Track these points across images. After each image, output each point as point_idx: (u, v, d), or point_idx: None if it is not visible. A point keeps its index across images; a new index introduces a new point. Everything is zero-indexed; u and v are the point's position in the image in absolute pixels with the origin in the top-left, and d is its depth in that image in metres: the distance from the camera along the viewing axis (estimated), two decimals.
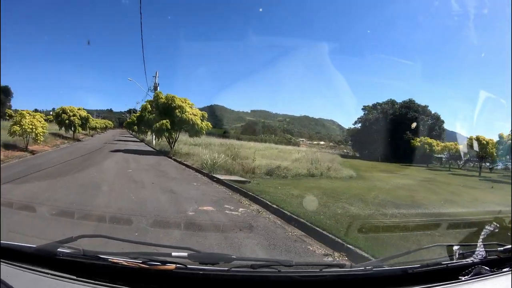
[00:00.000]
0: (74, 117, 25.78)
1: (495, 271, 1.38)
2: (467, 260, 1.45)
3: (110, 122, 57.75)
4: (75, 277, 1.19)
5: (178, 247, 1.45)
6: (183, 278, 1.24)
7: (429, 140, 28.56)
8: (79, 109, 27.02)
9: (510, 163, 23.53)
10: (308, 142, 66.41)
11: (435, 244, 2.11)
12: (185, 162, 14.24)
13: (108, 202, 6.09)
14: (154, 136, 20.95)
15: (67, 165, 11.31)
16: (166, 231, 4.55)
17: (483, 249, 1.50)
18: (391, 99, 37.53)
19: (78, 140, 27.93)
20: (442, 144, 28.59)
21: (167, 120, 17.99)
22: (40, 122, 16.14)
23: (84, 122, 27.14)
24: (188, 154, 17.65)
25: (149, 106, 18.84)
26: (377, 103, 38.80)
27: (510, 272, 1.38)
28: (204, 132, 19.42)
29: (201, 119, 19.21)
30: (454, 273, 1.36)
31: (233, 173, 11.52)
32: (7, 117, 50.96)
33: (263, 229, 5.06)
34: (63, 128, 26.10)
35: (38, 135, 15.70)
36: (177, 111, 18.15)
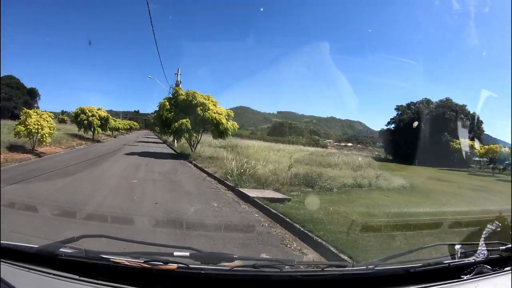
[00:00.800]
0: (93, 118, 24.33)
1: (497, 270, 1.36)
2: (469, 259, 1.44)
3: (135, 123, 57.43)
4: (77, 277, 1.19)
5: (180, 246, 1.42)
6: (185, 278, 1.23)
7: (471, 143, 25.90)
8: (98, 109, 25.61)
9: None
10: (336, 143, 65.09)
11: (437, 243, 2.22)
12: (206, 169, 11.70)
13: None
14: (173, 138, 18.70)
15: (64, 172, 9.22)
16: None
17: (485, 248, 1.49)
18: (426, 98, 35.56)
19: (98, 141, 26.55)
20: (486, 146, 26.12)
21: (187, 120, 15.65)
22: (47, 121, 14.36)
23: (104, 122, 25.67)
24: (211, 158, 15.18)
25: (167, 103, 16.59)
26: (411, 102, 36.83)
27: None
28: (230, 133, 16.88)
29: (226, 119, 16.70)
30: (456, 272, 1.34)
31: (266, 185, 8.78)
32: None
33: None
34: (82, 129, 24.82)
35: (44, 136, 13.89)
36: (198, 109, 15.76)
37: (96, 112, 25.06)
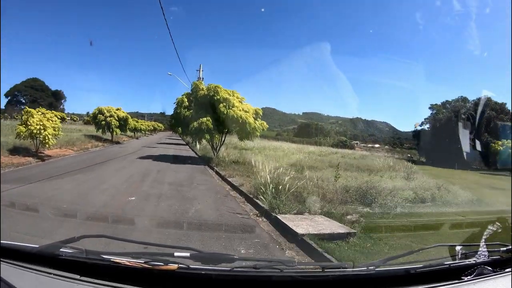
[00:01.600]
0: (111, 118, 22.83)
1: (497, 271, 1.35)
2: (469, 260, 1.43)
3: (160, 124, 56.80)
4: (77, 277, 1.18)
5: (181, 247, 1.39)
6: (186, 278, 1.23)
7: None
8: (117, 109, 24.18)
9: None
10: (362, 145, 63.10)
11: (437, 244, 2.08)
12: (230, 179, 9.25)
13: None
14: (192, 139, 16.47)
15: (50, 184, 7.23)
16: None
17: (486, 249, 1.48)
18: (462, 96, 34.12)
19: (118, 142, 25.10)
20: None
21: (208, 118, 13.34)
22: (51, 121, 12.62)
23: (123, 123, 24.14)
24: (237, 163, 12.78)
25: (185, 100, 14.36)
26: (447, 101, 35.43)
27: None
28: (258, 134, 14.37)
29: (254, 117, 14.22)
30: (456, 273, 1.33)
31: (312, 207, 6.15)
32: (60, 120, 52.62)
33: None
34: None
35: (46, 137, 12.12)
36: (221, 105, 13.40)
37: (115, 112, 23.60)
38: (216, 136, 14.34)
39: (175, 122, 15.26)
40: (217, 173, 11.07)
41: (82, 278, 1.18)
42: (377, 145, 60.38)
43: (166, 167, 11.60)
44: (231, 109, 13.47)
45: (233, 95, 14.26)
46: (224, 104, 13.38)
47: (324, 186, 8.04)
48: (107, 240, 1.71)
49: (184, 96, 14.69)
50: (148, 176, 9.15)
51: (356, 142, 69.78)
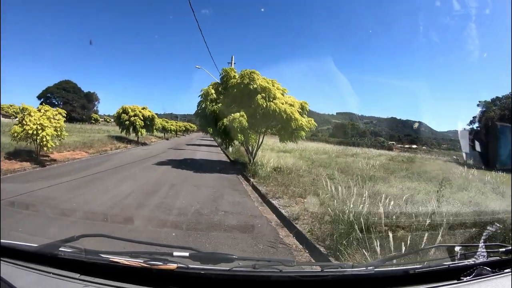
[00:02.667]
0: (135, 118, 20.72)
1: (496, 272, 1.33)
2: (468, 260, 1.41)
3: (192, 125, 55.44)
4: (77, 276, 1.18)
5: (180, 246, 1.37)
6: (185, 278, 1.22)
7: None
8: (143, 108, 22.14)
9: None
10: (399, 145, 61.70)
11: (436, 244, 2.18)
12: (276, 202, 6.07)
13: None
14: (222, 140, 13.45)
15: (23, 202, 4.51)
16: None
17: (485, 250, 1.46)
18: None
19: (144, 144, 23.06)
20: None
21: (242, 113, 10.27)
22: (52, 120, 10.32)
23: (149, 123, 21.98)
24: (280, 172, 9.61)
25: (212, 91, 11.38)
26: (497, 97, 32.50)
27: None
28: (305, 133, 11.06)
29: (299, 112, 10.96)
30: (455, 273, 1.32)
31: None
32: (93, 121, 52.82)
33: None
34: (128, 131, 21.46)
35: (44, 139, 9.82)
36: (259, 97, 10.29)
37: (140, 112, 21.50)
38: (252, 136, 11.23)
39: (202, 121, 12.37)
40: (254, 188, 7.94)
41: (81, 277, 1.17)
42: (414, 146, 58.17)
43: (186, 177, 8.73)
44: (271, 101, 10.30)
45: (273, 85, 11.10)
46: (263, 94, 10.24)
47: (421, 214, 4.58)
48: (106, 240, 1.53)
49: (211, 86, 11.71)
50: (157, 193, 6.29)
51: (392, 142, 69.01)
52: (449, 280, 1.28)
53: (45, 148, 10.13)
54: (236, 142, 12.50)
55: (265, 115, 10.28)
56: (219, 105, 10.82)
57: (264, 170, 9.43)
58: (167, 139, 34.02)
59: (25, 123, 9.80)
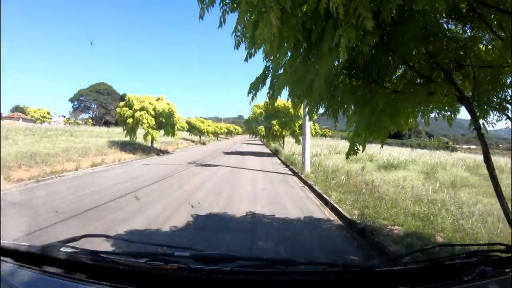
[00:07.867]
0: (142, 113, 14.63)
1: (498, 272, 1.27)
2: (469, 260, 1.36)
3: (236, 127, 49.58)
4: (77, 276, 1.15)
5: (181, 247, 1.33)
6: (186, 278, 1.17)
7: None
8: (157, 99, 15.90)
9: None
10: (457, 145, 59.50)
11: (437, 244, 2.16)
12: None
13: None
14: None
15: None
16: None
17: (486, 249, 1.46)
18: None
19: (160, 152, 16.80)
20: None
21: None
22: None
23: (165, 120, 15.54)
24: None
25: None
26: None
27: None
28: None
29: None
30: (456, 273, 1.27)
31: None
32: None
33: None
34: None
35: None
36: None
37: (150, 104, 15.11)
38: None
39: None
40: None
41: (82, 277, 1.14)
42: (473, 146, 55.47)
43: None
44: None
45: None
46: None
47: None
48: (108, 240, 1.60)
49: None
50: None
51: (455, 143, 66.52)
52: (450, 280, 1.22)
53: None
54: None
55: None
56: None
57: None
58: (204, 143, 27.82)
59: None
